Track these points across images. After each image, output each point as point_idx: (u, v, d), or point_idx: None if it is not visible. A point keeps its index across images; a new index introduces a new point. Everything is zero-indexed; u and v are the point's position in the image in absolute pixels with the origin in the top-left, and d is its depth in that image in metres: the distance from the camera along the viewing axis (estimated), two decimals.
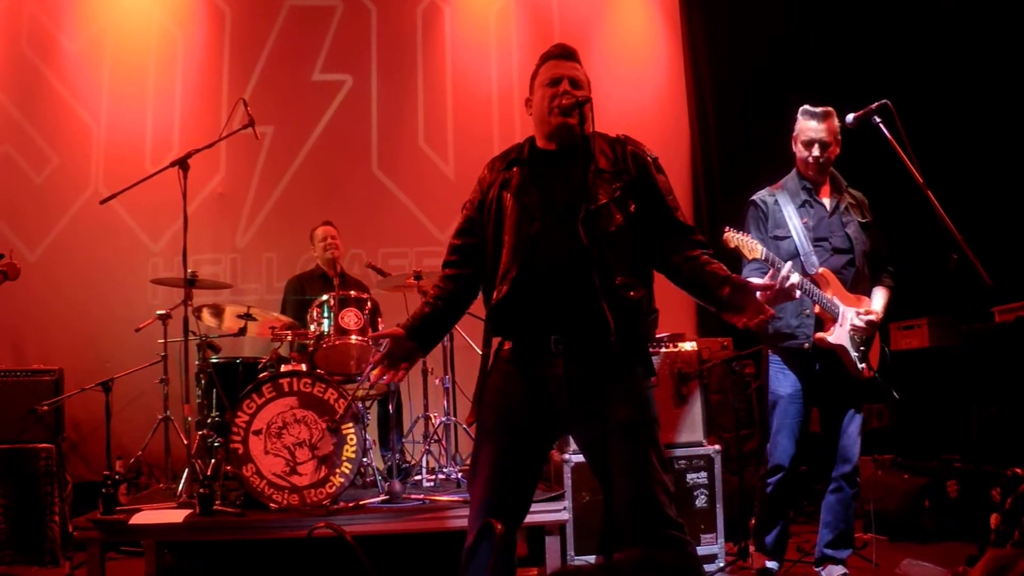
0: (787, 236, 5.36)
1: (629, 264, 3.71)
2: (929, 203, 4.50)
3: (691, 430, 6.16)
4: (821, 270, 5.29)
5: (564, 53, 3.99)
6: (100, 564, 5.43)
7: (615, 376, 3.62)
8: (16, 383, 6.98)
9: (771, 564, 5.52)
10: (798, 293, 4.98)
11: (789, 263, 4.91)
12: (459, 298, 4.03)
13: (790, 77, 9.02)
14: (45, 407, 6.88)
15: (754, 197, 5.59)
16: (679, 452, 6.04)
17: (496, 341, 3.88)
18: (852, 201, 5.56)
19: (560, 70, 3.91)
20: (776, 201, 5.47)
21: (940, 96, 8.01)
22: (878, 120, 4.66)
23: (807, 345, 5.33)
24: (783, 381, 5.48)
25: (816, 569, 5.46)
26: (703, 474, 6.10)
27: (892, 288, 5.60)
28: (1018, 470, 6.02)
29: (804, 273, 5.17)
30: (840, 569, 5.37)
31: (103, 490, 5.55)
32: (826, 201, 5.49)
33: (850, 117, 4.80)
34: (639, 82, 9.52)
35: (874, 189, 8.19)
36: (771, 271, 4.85)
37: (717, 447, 6.19)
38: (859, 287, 5.45)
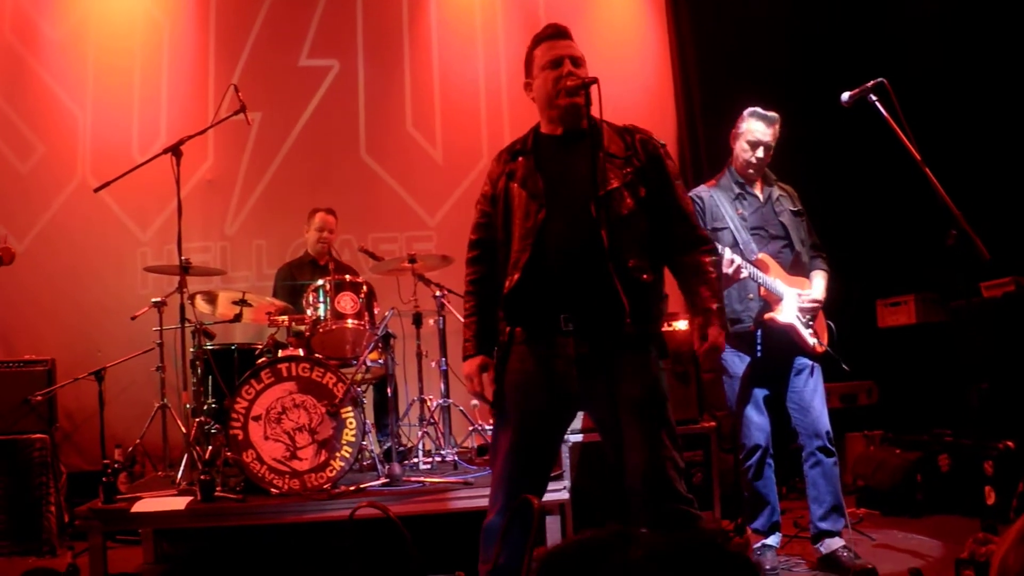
0: (724, 227, 5.53)
1: (641, 248, 3.76)
2: (926, 180, 4.53)
3: (686, 408, 6.20)
4: (760, 255, 5.48)
5: (558, 32, 4.02)
6: (102, 553, 5.44)
7: (625, 354, 3.65)
8: (8, 374, 6.98)
9: (770, 540, 5.58)
10: (744, 273, 5.17)
11: (727, 248, 5.15)
12: (492, 296, 4.03)
13: (779, 68, 9.02)
14: (38, 397, 6.88)
15: (690, 193, 5.71)
16: None
17: (508, 329, 3.92)
18: (783, 192, 5.77)
19: (558, 50, 3.94)
20: (712, 196, 5.64)
21: (927, 77, 8.04)
22: (874, 98, 4.70)
23: (753, 326, 5.51)
24: (739, 364, 5.62)
25: (814, 546, 5.49)
26: (699, 452, 6.14)
27: (828, 272, 5.76)
28: (1009, 443, 6.09)
29: (745, 259, 5.35)
30: (838, 541, 5.40)
31: (103, 479, 5.56)
32: (759, 192, 5.69)
33: (846, 95, 4.83)
34: (624, 74, 9.42)
35: (853, 168, 8.35)
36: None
37: (712, 424, 6.24)
38: (797, 271, 5.62)
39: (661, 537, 1.75)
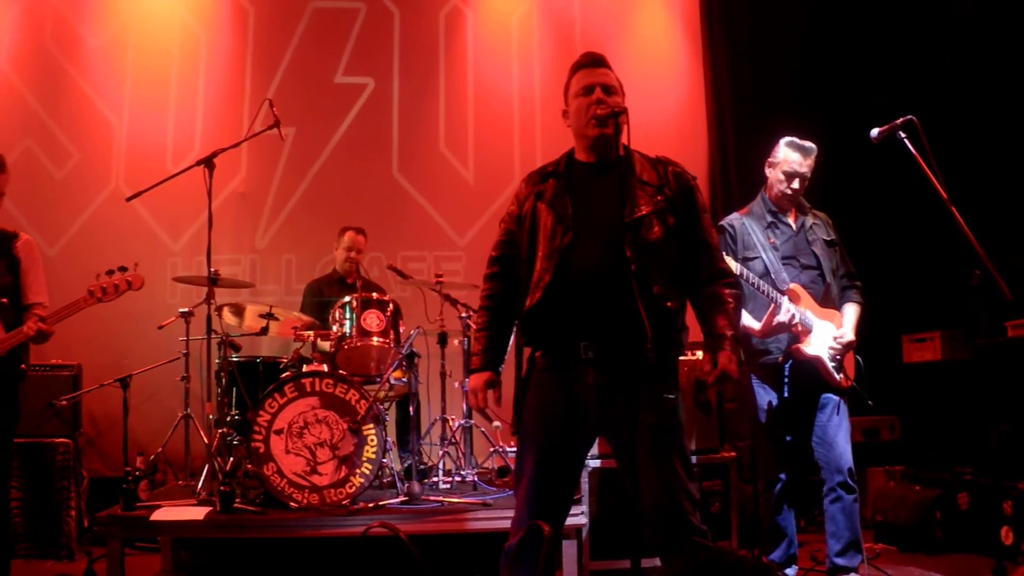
0: (756, 257, 5.48)
1: (667, 276, 3.75)
2: (951, 219, 4.52)
3: (707, 438, 6.19)
4: (792, 286, 5.42)
5: (594, 61, 4.02)
6: (120, 559, 5.49)
7: (644, 383, 3.64)
8: (34, 377, 6.91)
9: (788, 572, 5.56)
10: (799, 328, 5.17)
11: (785, 298, 5.10)
12: (507, 314, 4.08)
13: (811, 89, 9.05)
14: (63, 402, 6.92)
15: (722, 222, 5.70)
16: (694, 459, 6.06)
17: (527, 351, 3.94)
18: (816, 221, 5.70)
19: (591, 78, 3.94)
20: (744, 224, 5.59)
21: (958, 107, 8.03)
22: (903, 135, 4.69)
23: (780, 359, 5.48)
24: (763, 395, 5.59)
25: None
26: (718, 481, 6.13)
27: (861, 303, 5.70)
28: None
29: (776, 289, 5.33)
30: None
31: (124, 486, 5.61)
32: (791, 221, 5.62)
33: (875, 132, 4.81)
34: (658, 92, 9.48)
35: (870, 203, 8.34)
36: (772, 307, 5.24)
37: (732, 455, 6.23)
38: (828, 302, 5.57)
39: None
